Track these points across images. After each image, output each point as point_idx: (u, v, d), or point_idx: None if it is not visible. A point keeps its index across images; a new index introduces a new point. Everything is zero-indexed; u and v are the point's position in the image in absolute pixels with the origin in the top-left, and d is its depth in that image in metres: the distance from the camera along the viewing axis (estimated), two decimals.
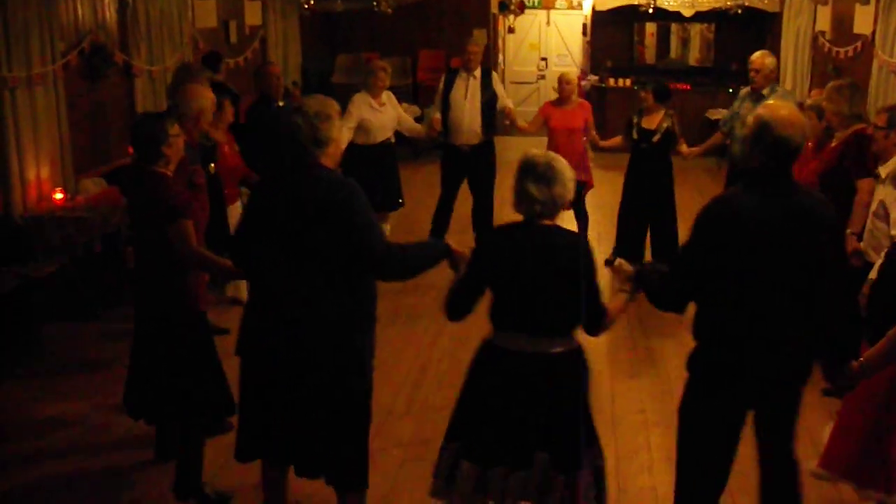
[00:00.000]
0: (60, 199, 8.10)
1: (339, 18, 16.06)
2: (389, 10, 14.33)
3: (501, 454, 4.16)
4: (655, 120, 8.97)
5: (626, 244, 9.21)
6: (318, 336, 4.22)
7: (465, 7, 16.75)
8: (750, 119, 4.09)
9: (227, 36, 12.58)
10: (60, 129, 8.31)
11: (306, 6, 14.69)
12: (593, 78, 16.69)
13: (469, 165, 9.51)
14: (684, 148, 9.05)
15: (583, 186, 9.35)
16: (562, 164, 4.16)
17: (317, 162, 4.23)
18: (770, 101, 4.22)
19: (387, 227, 9.39)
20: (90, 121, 9.08)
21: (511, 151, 14.34)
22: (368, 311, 4.40)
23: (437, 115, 9.43)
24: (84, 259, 7.96)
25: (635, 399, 6.54)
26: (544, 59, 19.60)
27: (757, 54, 8.64)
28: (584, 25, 18.38)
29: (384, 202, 9.21)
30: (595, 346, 7.37)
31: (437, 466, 4.41)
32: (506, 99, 9.70)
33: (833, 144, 6.54)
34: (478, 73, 9.45)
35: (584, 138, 9.50)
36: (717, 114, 14.89)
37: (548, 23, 19.45)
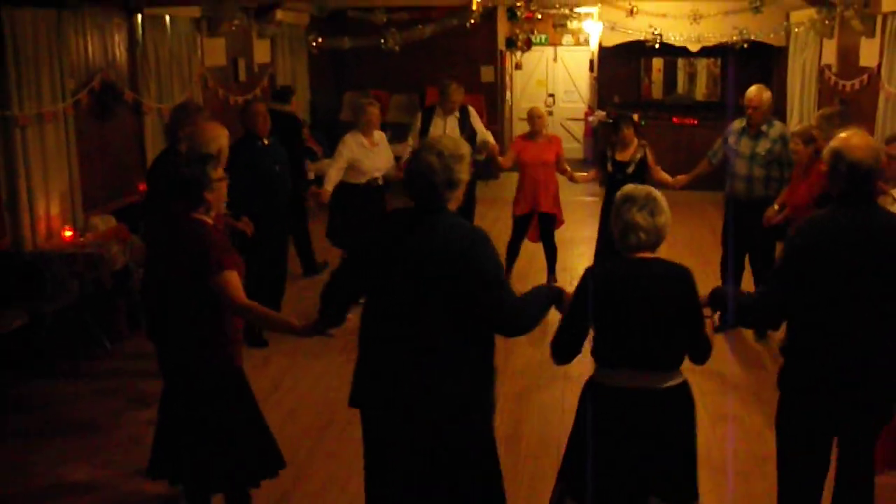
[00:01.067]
0: (70, 237, 8.14)
1: (347, 56, 16.13)
2: (396, 48, 14.37)
3: (614, 496, 4.10)
4: (629, 152, 9.01)
5: None
6: (443, 389, 3.98)
7: (472, 44, 16.79)
8: (825, 154, 4.33)
9: (236, 74, 12.66)
10: (70, 166, 8.37)
11: (314, 44, 14.77)
12: (601, 113, 16.72)
13: None
14: (665, 176, 8.98)
15: (553, 221, 9.61)
16: (660, 195, 4.13)
17: (445, 206, 4.03)
18: (842, 134, 4.40)
19: None
20: (100, 158, 9.13)
21: (488, 190, 14.54)
22: (490, 364, 4.17)
23: (407, 156, 9.05)
24: (93, 295, 7.98)
25: None
26: (552, 95, 19.69)
27: (753, 91, 8.48)
28: (591, 61, 18.46)
29: None
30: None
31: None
32: (486, 133, 9.68)
33: (824, 168, 6.59)
34: (456, 112, 9.46)
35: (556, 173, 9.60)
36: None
37: (555, 59, 19.57)
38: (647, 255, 4.09)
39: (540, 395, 7.05)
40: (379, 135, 9.07)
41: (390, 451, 4.12)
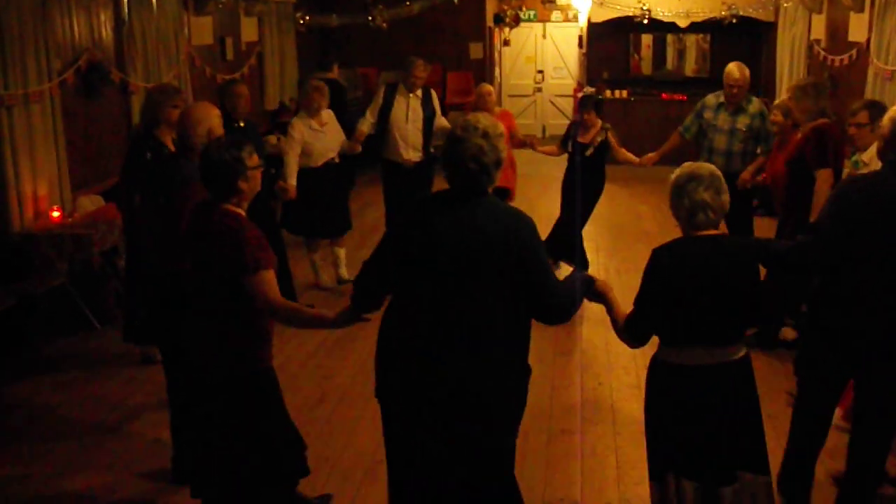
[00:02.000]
0: (57, 217, 8.10)
1: (335, 33, 16.08)
2: (384, 25, 14.34)
3: (705, 471, 4.11)
4: (590, 135, 8.94)
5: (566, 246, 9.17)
6: (483, 385, 3.86)
7: (460, 20, 16.76)
8: (885, 120, 4.55)
9: (224, 52, 12.59)
10: (57, 146, 8.32)
11: (302, 22, 14.71)
12: (589, 89, 16.69)
13: (410, 182, 9.25)
14: (630, 156, 9.00)
15: (507, 195, 9.42)
16: (719, 172, 4.16)
17: (489, 188, 3.91)
18: None
19: (341, 252, 9.31)
20: (87, 138, 9.09)
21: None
22: (525, 358, 4.08)
23: (363, 128, 9.20)
24: (82, 275, 7.96)
25: (636, 409, 6.51)
26: (541, 71, 19.66)
27: (736, 71, 8.53)
28: (580, 37, 18.41)
29: (334, 227, 9.11)
30: (594, 357, 7.41)
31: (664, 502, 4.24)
32: (442, 118, 9.54)
33: (797, 137, 7.04)
34: (419, 91, 9.33)
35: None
36: None
37: (544, 35, 19.51)
38: (713, 231, 4.12)
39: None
40: (327, 114, 8.89)
41: (419, 442, 3.98)
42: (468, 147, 3.82)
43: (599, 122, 9.00)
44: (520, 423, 4.15)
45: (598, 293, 4.32)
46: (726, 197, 4.11)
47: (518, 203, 9.51)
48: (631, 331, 4.23)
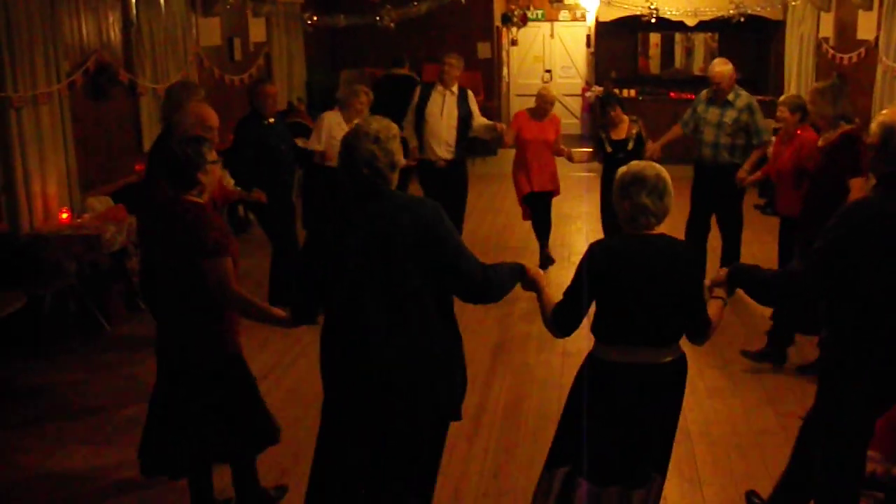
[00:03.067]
0: (66, 218, 8.12)
1: (343, 34, 16.10)
2: (392, 25, 14.35)
3: (619, 472, 4.13)
4: (624, 129, 9.05)
5: None
6: (421, 373, 4.02)
7: (468, 20, 16.76)
8: (874, 128, 4.23)
9: (232, 53, 12.63)
10: (66, 148, 8.34)
11: (310, 22, 14.74)
12: (598, 89, 16.70)
13: (445, 179, 9.33)
14: (649, 145, 9.17)
15: (551, 197, 9.76)
16: (666, 175, 4.12)
17: (390, 188, 4.04)
18: (889, 109, 4.36)
19: None
20: (95, 139, 9.11)
21: (485, 166, 14.54)
22: (459, 342, 4.24)
23: (412, 143, 9.27)
24: (91, 277, 7.98)
25: None
26: (549, 71, 19.63)
27: (716, 66, 8.89)
28: (588, 37, 18.43)
29: None
30: (579, 359, 7.38)
31: (542, 494, 4.32)
32: (481, 118, 9.57)
33: (820, 144, 6.87)
34: (455, 88, 9.34)
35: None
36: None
37: (552, 35, 19.48)
38: (652, 231, 4.10)
39: (539, 371, 7.05)
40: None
41: (352, 427, 4.14)
42: (361, 153, 3.96)
43: (626, 117, 9.11)
44: (458, 409, 4.28)
45: (530, 280, 4.38)
46: (669, 201, 4.07)
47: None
48: (557, 320, 4.23)
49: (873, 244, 4.04)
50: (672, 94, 16.09)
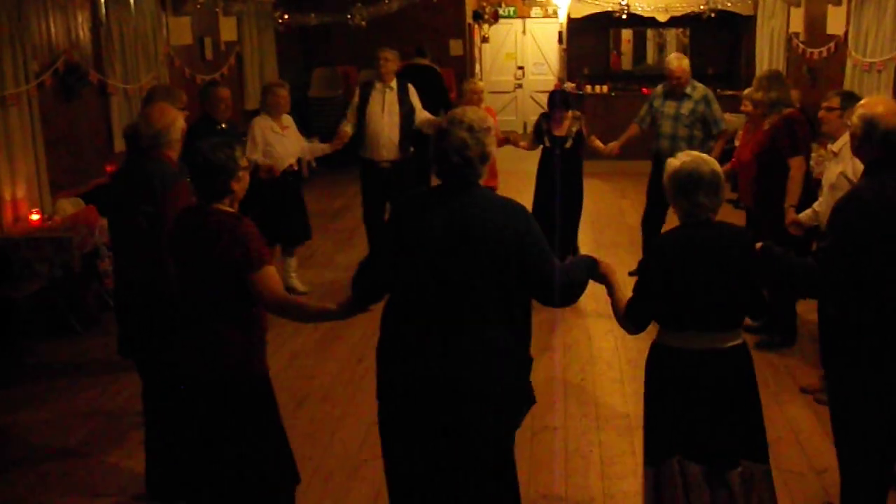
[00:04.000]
0: (37, 220, 8.06)
1: (315, 32, 16.05)
2: (363, 23, 14.31)
3: (712, 455, 4.14)
4: (565, 127, 9.06)
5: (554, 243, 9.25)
6: (484, 376, 3.86)
7: (439, 17, 16.75)
8: (854, 119, 4.40)
9: (203, 53, 12.56)
10: (36, 149, 8.27)
11: (281, 21, 14.68)
12: (570, 85, 16.73)
13: (389, 181, 9.03)
14: (599, 144, 9.31)
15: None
16: (718, 167, 4.18)
17: (478, 180, 3.94)
18: (866, 100, 4.56)
19: (293, 262, 9.07)
20: (66, 141, 9.04)
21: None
22: (527, 348, 4.10)
23: (347, 128, 9.05)
24: (63, 279, 7.93)
25: (619, 403, 6.54)
26: (521, 67, 19.68)
27: (672, 60, 9.15)
28: (560, 33, 18.46)
29: (291, 236, 8.90)
30: (577, 353, 7.42)
31: (662, 489, 4.22)
32: (423, 112, 9.34)
33: (765, 128, 7.25)
34: (394, 84, 9.10)
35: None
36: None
37: (524, 32, 19.53)
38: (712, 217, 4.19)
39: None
40: (287, 118, 8.76)
41: (418, 440, 3.98)
42: (452, 140, 3.84)
43: (570, 114, 9.13)
44: (523, 417, 4.14)
45: (601, 275, 4.32)
46: (723, 194, 4.17)
47: None
48: (632, 317, 4.25)
49: (874, 230, 4.18)
50: (644, 89, 16.05)
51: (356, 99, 9.14)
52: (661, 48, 17.32)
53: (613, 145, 9.37)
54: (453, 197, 3.87)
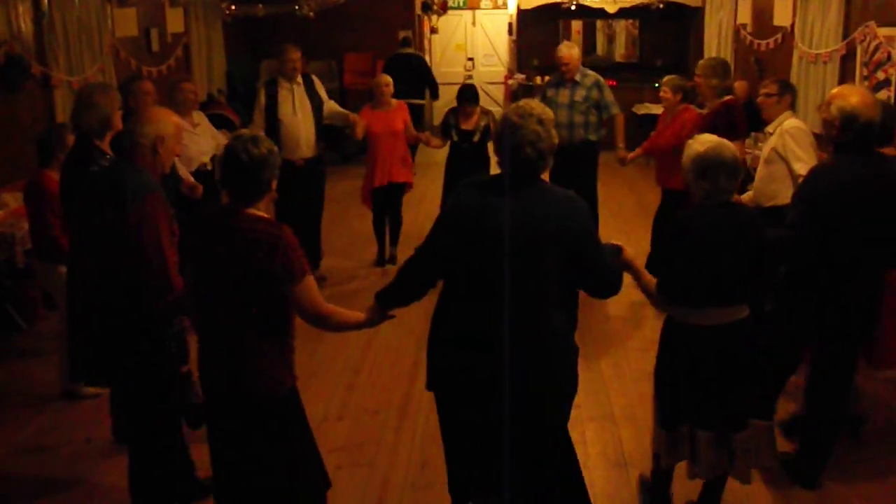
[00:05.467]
0: None
1: (263, 23, 15.91)
2: (311, 14, 14.21)
3: (720, 420, 4.43)
4: (473, 121, 9.18)
5: None
6: (545, 364, 3.97)
7: (388, 8, 16.72)
8: (834, 111, 4.72)
9: (149, 44, 12.38)
10: None
11: (227, 12, 14.53)
12: (520, 76, 16.75)
13: (303, 179, 8.80)
14: None
15: (403, 190, 9.63)
16: (737, 152, 4.41)
17: (544, 173, 4.00)
18: (840, 91, 4.91)
19: None
20: (8, 134, 8.87)
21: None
22: (573, 335, 4.18)
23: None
24: (6, 275, 7.79)
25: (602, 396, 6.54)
26: (471, 59, 19.66)
27: (562, 49, 9.32)
28: (510, 24, 18.45)
29: None
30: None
31: (667, 450, 4.57)
32: (330, 102, 9.13)
33: (705, 112, 7.72)
34: (300, 80, 8.85)
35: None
36: (644, 108, 15.05)
37: (473, 23, 19.51)
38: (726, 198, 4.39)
39: None
40: (198, 115, 8.39)
41: (478, 423, 4.07)
42: (526, 133, 3.87)
43: (479, 108, 9.26)
44: (573, 400, 4.25)
45: (625, 262, 4.48)
46: (740, 176, 4.37)
47: (410, 193, 9.77)
48: (667, 292, 4.45)
49: (841, 206, 4.57)
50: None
51: (262, 100, 8.80)
52: (611, 39, 17.39)
53: None
54: (519, 189, 3.89)
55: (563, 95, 9.17)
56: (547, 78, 15.71)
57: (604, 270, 4.07)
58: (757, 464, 4.60)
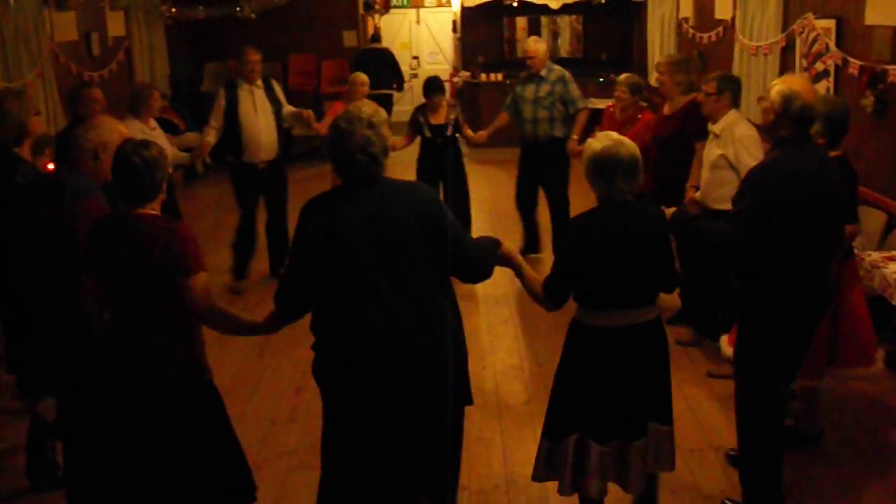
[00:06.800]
0: None
1: (205, 26, 15.78)
2: (253, 16, 14.12)
3: (617, 428, 4.29)
4: (442, 115, 9.19)
5: None
6: (444, 358, 3.96)
7: (332, 9, 16.66)
8: (773, 95, 4.59)
9: (90, 49, 12.22)
10: None
11: (168, 15, 14.39)
12: (465, 74, 16.75)
13: (264, 182, 8.85)
14: (469, 132, 9.52)
15: None
16: (636, 150, 4.27)
17: (383, 174, 3.97)
18: (782, 78, 4.86)
19: None
20: None
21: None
22: (460, 323, 4.19)
23: (209, 139, 8.71)
24: None
25: (520, 390, 6.55)
26: (416, 57, 19.66)
27: (529, 42, 9.48)
28: (454, 22, 18.47)
29: None
30: (477, 341, 7.40)
31: (554, 464, 4.39)
32: (287, 105, 9.11)
33: (667, 112, 7.44)
34: (260, 83, 8.82)
35: None
36: (589, 103, 15.08)
37: (418, 21, 19.52)
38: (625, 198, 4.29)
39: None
40: (152, 120, 8.25)
41: (366, 425, 4.00)
42: (355, 139, 3.86)
43: (445, 101, 9.30)
44: (469, 391, 4.27)
45: (503, 256, 4.42)
46: (640, 176, 4.26)
47: None
48: (551, 295, 4.37)
49: (788, 199, 4.43)
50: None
51: (222, 101, 8.74)
52: (556, 35, 17.43)
53: (482, 134, 9.62)
54: (360, 193, 3.89)
55: (529, 91, 9.19)
56: (493, 76, 15.84)
57: (468, 252, 4.07)
58: (656, 468, 4.47)
